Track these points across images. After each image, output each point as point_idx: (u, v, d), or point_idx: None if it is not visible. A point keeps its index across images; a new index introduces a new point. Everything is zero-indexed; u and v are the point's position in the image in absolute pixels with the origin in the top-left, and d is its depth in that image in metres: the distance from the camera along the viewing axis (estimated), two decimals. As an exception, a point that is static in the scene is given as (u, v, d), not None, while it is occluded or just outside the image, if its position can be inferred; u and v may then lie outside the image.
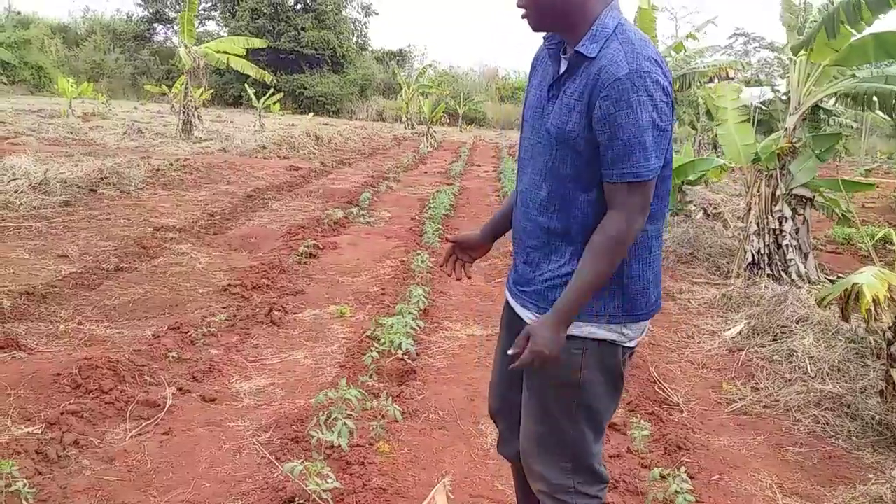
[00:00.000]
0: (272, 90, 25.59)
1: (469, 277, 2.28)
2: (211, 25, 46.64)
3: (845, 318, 3.63)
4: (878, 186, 13.24)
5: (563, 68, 1.78)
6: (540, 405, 1.90)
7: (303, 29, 41.16)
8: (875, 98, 6.07)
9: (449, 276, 2.25)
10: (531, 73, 1.96)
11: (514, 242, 2.00)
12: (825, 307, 3.72)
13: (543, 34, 1.88)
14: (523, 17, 1.78)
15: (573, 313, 1.74)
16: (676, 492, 2.78)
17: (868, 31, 5.59)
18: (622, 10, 1.79)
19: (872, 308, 3.27)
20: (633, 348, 1.91)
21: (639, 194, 1.69)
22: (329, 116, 37.22)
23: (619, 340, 1.83)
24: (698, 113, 17.76)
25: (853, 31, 5.32)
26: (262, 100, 24.08)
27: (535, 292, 1.87)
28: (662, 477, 2.94)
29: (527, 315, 1.92)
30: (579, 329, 1.80)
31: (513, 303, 2.02)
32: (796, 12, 6.76)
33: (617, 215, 1.70)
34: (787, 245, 6.47)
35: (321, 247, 7.10)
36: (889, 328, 3.67)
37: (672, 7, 45.23)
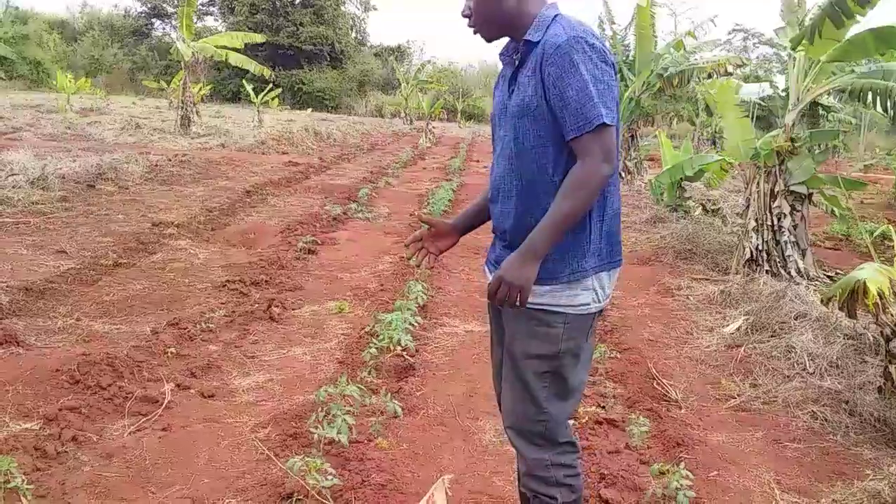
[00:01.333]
0: (271, 86, 25.55)
1: (431, 267, 2.31)
2: (209, 21, 46.60)
3: (851, 315, 3.63)
4: (876, 183, 13.27)
5: (510, 71, 1.98)
6: (518, 377, 2.00)
7: (301, 24, 41.12)
8: (870, 93, 6.06)
9: (410, 258, 2.35)
10: (494, 90, 2.14)
11: (494, 231, 2.11)
12: (830, 306, 3.72)
13: (501, 50, 2.06)
14: (475, 32, 2.00)
15: (539, 251, 1.83)
16: (676, 488, 2.78)
17: (865, 26, 5.58)
18: (559, 9, 1.98)
19: (879, 301, 3.28)
20: (600, 313, 2.03)
21: (599, 141, 1.80)
22: (327, 112, 37.20)
23: (591, 302, 1.94)
24: (697, 109, 17.73)
25: (861, 15, 5.28)
26: (260, 95, 24.05)
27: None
28: (661, 473, 2.95)
29: None
30: (557, 300, 1.91)
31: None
32: (795, 9, 6.75)
33: (580, 162, 1.83)
34: (785, 241, 6.47)
35: (320, 242, 7.10)
36: (888, 324, 3.68)
37: (671, 3, 45.16)
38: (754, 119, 6.93)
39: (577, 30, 1.84)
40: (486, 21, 1.97)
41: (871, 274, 3.39)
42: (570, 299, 1.92)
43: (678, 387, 4.13)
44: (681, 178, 9.12)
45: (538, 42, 1.88)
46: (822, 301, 3.84)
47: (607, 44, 2.01)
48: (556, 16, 1.92)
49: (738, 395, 4.04)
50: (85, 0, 51.67)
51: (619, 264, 2.02)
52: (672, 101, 14.45)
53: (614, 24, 13.79)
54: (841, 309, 3.68)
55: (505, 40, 2.04)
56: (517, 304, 1.84)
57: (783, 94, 7.19)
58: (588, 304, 1.94)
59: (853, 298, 3.55)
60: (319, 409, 3.21)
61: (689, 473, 2.88)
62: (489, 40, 2.03)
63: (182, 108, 18.19)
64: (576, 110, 1.80)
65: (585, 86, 1.79)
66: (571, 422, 3.47)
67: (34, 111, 19.84)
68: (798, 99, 6.45)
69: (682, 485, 2.80)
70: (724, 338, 4.91)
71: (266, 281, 5.64)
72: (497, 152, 2.04)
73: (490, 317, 2.25)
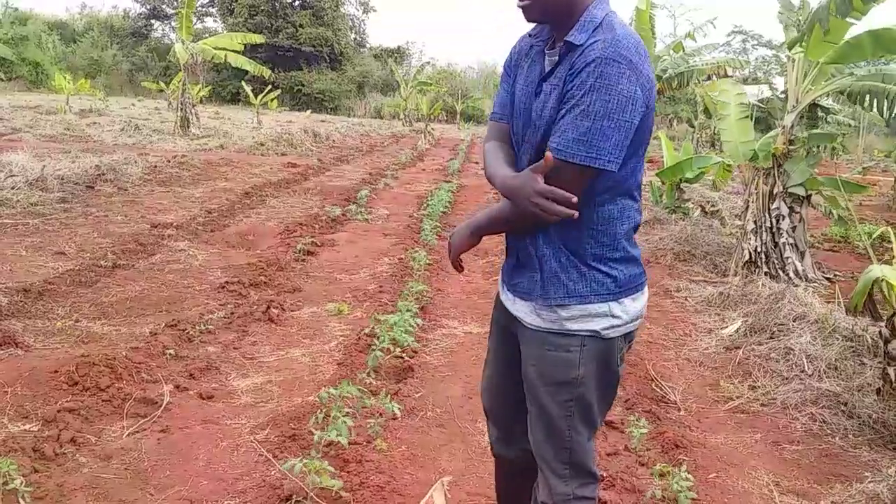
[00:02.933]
0: (270, 87, 25.58)
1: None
2: (208, 22, 46.60)
3: (877, 317, 3.64)
4: (875, 185, 13.28)
5: (548, 67, 1.80)
6: (539, 406, 1.89)
7: (301, 26, 41.12)
8: (868, 96, 6.07)
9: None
10: (514, 67, 1.94)
11: (508, 243, 1.99)
12: (860, 314, 3.71)
13: (530, 30, 1.89)
14: (521, 6, 1.77)
15: (473, 228, 1.93)
16: (678, 490, 2.79)
17: (864, 28, 5.59)
18: (610, 3, 1.80)
19: None
20: (629, 340, 1.91)
21: (570, 179, 1.65)
22: (327, 113, 37.21)
23: (610, 327, 1.82)
24: (696, 111, 17.76)
25: (850, 20, 5.30)
26: (259, 97, 24.07)
27: (535, 281, 1.85)
28: (662, 474, 2.95)
29: (525, 307, 1.88)
30: (570, 324, 1.81)
31: (509, 300, 1.97)
32: (793, 9, 6.76)
33: None
34: (783, 243, 6.48)
35: (319, 244, 7.10)
36: (886, 326, 3.68)
37: (670, 5, 45.20)
38: (753, 121, 6.93)
39: (615, 49, 1.64)
40: (542, 1, 1.75)
41: (885, 271, 3.41)
42: (584, 323, 1.81)
43: (677, 388, 4.13)
44: (680, 180, 9.14)
45: (579, 46, 1.69)
46: (847, 312, 3.83)
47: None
48: (604, 17, 1.72)
49: (737, 397, 4.04)
50: (84, 1, 51.69)
51: (642, 288, 1.91)
52: (671, 102, 14.47)
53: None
54: (857, 314, 3.69)
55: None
56: (452, 259, 2.02)
57: (782, 95, 7.19)
58: (606, 329, 1.82)
59: (872, 300, 3.56)
60: (318, 410, 3.21)
61: (689, 475, 2.89)
62: (532, 20, 1.81)
63: (181, 109, 18.19)
64: (564, 131, 1.65)
65: (585, 117, 1.62)
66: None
67: (33, 112, 19.82)
68: (797, 101, 6.45)
69: (683, 486, 2.80)
70: (722, 339, 4.92)
71: (265, 282, 5.64)
72: (520, 155, 1.87)
73: (493, 334, 2.13)
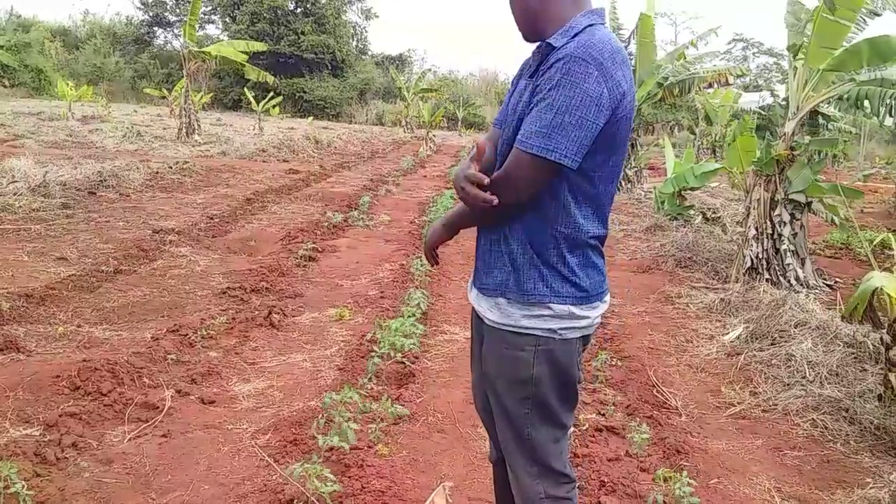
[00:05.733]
0: (271, 94, 25.63)
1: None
2: (210, 29, 46.71)
3: (877, 325, 3.64)
4: (876, 192, 13.28)
5: (527, 72, 1.89)
6: (500, 406, 1.93)
7: (302, 33, 41.21)
8: (867, 100, 6.08)
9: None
10: (515, 79, 2.01)
11: (476, 243, 2.02)
12: (857, 321, 3.72)
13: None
14: (519, 29, 1.91)
15: (445, 222, 2.06)
16: (681, 495, 2.78)
17: (862, 36, 5.61)
18: (605, 18, 1.86)
19: None
20: (585, 343, 1.94)
21: (519, 166, 1.70)
22: (328, 120, 37.25)
23: (566, 328, 1.82)
24: (697, 118, 17.77)
25: (836, 19, 5.35)
26: (261, 103, 24.11)
27: (501, 278, 1.88)
28: (665, 479, 2.95)
29: (487, 303, 1.94)
30: (524, 322, 1.83)
31: (475, 297, 2.05)
32: (799, 14, 6.77)
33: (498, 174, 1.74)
34: (785, 250, 6.48)
35: (320, 250, 7.11)
36: (887, 332, 3.68)
37: (672, 13, 45.29)
38: (755, 128, 6.94)
39: (586, 51, 1.67)
40: (520, 22, 1.88)
41: (884, 281, 3.41)
42: (542, 322, 1.81)
43: (678, 394, 4.13)
44: (682, 188, 9.15)
45: (557, 48, 1.73)
46: (842, 318, 3.84)
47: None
48: (588, 25, 1.76)
49: (738, 403, 4.04)
50: (87, 8, 51.73)
51: (604, 297, 1.91)
52: (672, 110, 14.47)
53: (621, 29, 13.76)
54: (855, 322, 3.69)
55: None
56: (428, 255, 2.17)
57: (783, 103, 7.20)
58: (564, 329, 1.82)
59: (872, 307, 3.56)
60: (320, 415, 3.21)
61: (691, 480, 2.88)
62: (526, 40, 1.90)
63: (183, 116, 18.23)
64: (529, 123, 1.69)
65: (549, 111, 1.65)
66: (571, 429, 3.48)
67: (36, 119, 19.86)
68: (798, 108, 6.47)
69: (685, 492, 2.80)
70: (724, 346, 4.92)
71: (266, 288, 5.65)
72: (498, 153, 1.91)
73: (472, 339, 2.22)
